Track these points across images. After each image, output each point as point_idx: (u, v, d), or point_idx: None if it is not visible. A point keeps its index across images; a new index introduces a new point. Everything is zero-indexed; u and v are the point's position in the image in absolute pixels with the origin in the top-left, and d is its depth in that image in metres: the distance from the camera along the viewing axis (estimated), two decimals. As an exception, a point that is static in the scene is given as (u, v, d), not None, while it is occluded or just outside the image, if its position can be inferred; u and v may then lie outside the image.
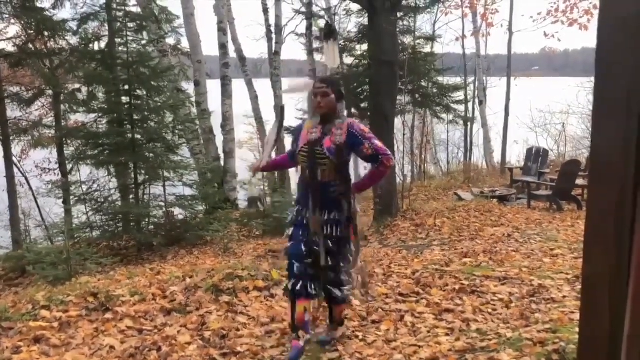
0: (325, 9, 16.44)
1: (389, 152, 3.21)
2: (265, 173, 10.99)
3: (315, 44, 15.16)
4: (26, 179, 14.77)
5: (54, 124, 12.86)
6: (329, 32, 3.48)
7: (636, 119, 1.15)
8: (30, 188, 14.56)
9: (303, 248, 3.20)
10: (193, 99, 12.78)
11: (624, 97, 1.15)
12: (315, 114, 3.26)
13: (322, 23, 15.49)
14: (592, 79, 1.27)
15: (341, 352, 3.25)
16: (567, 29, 14.12)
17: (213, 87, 13.50)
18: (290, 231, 3.35)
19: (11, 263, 8.24)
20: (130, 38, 10.34)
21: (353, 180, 3.34)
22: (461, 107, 15.66)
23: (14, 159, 12.44)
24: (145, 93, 10.47)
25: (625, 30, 1.13)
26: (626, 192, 1.20)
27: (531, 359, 2.82)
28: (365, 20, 11.44)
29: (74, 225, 9.24)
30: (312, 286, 3.19)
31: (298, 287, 3.17)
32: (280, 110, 3.80)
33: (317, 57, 15.51)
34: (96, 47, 11.84)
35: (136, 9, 11.44)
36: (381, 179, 3.38)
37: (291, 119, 12.05)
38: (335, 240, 3.20)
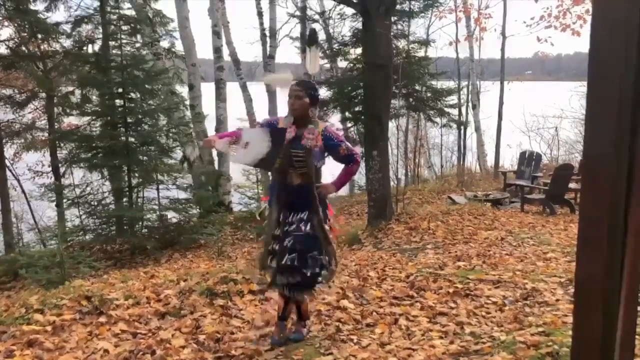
0: (320, 12, 16.48)
1: (358, 152, 3.55)
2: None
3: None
4: (19, 182, 14.69)
5: (47, 126, 12.82)
6: (312, 39, 3.52)
7: (628, 123, 1.16)
8: (23, 191, 14.48)
9: (276, 248, 3.39)
10: (187, 102, 12.76)
11: (616, 101, 1.17)
12: (289, 115, 3.38)
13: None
14: (585, 83, 1.28)
15: (335, 355, 3.25)
16: (559, 34, 14.20)
17: (207, 90, 13.49)
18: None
19: (4, 267, 8.19)
20: (124, 41, 10.34)
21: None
22: (455, 111, 15.72)
23: (6, 161, 12.38)
24: (139, 96, 10.47)
25: (618, 34, 1.14)
26: (618, 196, 1.21)
27: (525, 361, 2.84)
28: (359, 24, 11.47)
29: (67, 229, 9.22)
30: (286, 285, 3.37)
31: (277, 283, 3.41)
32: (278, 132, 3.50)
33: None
34: (90, 50, 11.86)
35: (130, 12, 11.43)
36: (353, 176, 3.75)
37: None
38: (303, 237, 3.28)
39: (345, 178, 3.57)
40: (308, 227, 3.30)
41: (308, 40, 3.50)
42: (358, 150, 3.56)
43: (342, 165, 3.50)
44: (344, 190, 15.84)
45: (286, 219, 3.35)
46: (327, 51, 14.44)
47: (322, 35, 15.86)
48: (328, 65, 14.79)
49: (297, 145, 3.27)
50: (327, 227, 3.38)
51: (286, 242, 3.30)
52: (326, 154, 3.42)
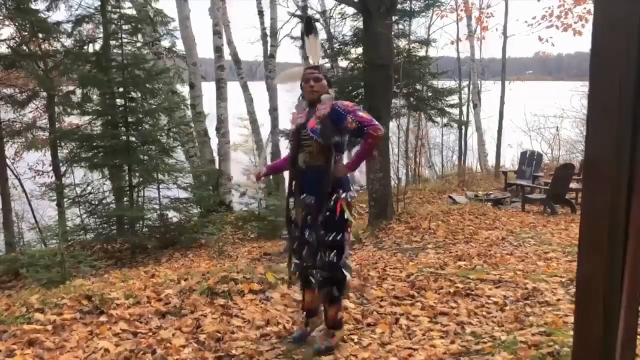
0: (320, 12, 16.48)
1: (375, 122, 3.08)
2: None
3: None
4: (20, 181, 14.70)
5: (48, 126, 12.82)
6: (309, 27, 3.44)
7: (629, 123, 1.16)
8: (24, 190, 14.50)
9: (295, 242, 3.34)
10: (188, 102, 12.77)
11: (617, 101, 1.16)
12: (307, 100, 3.30)
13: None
14: (586, 82, 1.28)
15: (336, 355, 3.25)
16: (561, 33, 14.19)
17: (208, 90, 13.50)
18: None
19: (4, 266, 8.18)
20: (125, 40, 10.33)
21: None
22: (455, 111, 15.71)
23: (7, 161, 12.39)
24: (140, 95, 10.46)
25: (619, 35, 1.14)
26: (619, 196, 1.21)
27: (525, 361, 2.84)
28: (360, 24, 11.48)
29: (68, 228, 9.21)
30: (311, 277, 3.30)
31: (300, 279, 3.39)
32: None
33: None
34: (91, 49, 11.85)
35: (131, 11, 11.44)
36: (371, 151, 3.25)
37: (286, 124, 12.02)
38: (323, 224, 3.16)
39: (360, 155, 3.20)
40: (322, 216, 3.14)
41: (305, 28, 3.43)
42: (373, 120, 3.07)
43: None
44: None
45: (303, 206, 3.23)
46: (327, 50, 14.45)
47: (322, 35, 15.87)
48: (329, 65, 14.80)
49: (306, 127, 3.18)
50: (345, 211, 3.16)
51: (307, 235, 3.24)
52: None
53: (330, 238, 3.16)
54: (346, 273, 3.26)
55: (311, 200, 3.19)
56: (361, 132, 3.05)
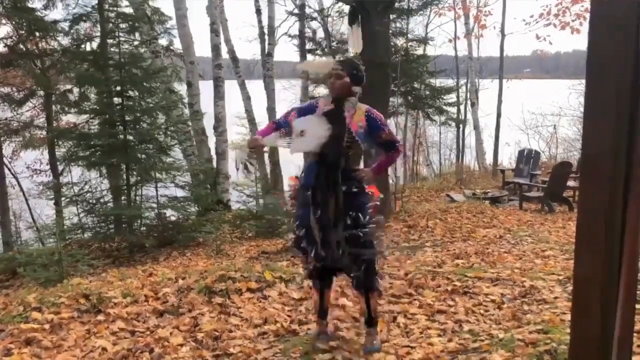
0: (318, 10, 16.46)
1: (399, 140, 3.38)
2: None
3: (308, 45, 15.18)
4: (17, 180, 14.67)
5: (45, 124, 12.78)
6: (353, 17, 3.44)
7: (626, 121, 1.16)
8: (21, 189, 14.47)
9: (317, 233, 3.11)
10: (185, 100, 12.74)
11: (614, 99, 1.17)
12: (329, 95, 3.29)
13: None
14: (583, 81, 1.28)
15: (334, 353, 3.25)
16: (559, 32, 14.20)
17: (206, 88, 13.47)
18: (299, 212, 3.24)
19: (2, 265, 8.17)
20: (123, 39, 10.31)
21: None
22: (453, 109, 15.74)
23: (4, 159, 12.36)
24: (137, 94, 10.44)
25: (616, 33, 1.14)
26: (616, 194, 1.21)
27: (523, 359, 2.84)
28: (358, 22, 11.44)
29: (66, 227, 9.18)
30: (328, 274, 3.28)
31: (315, 276, 3.29)
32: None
33: (310, 57, 15.50)
34: (88, 48, 11.80)
35: (128, 10, 11.39)
36: (392, 164, 3.57)
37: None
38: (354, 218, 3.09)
39: (385, 165, 3.43)
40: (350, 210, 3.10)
41: (349, 18, 3.46)
42: (397, 137, 3.35)
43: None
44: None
45: (325, 199, 3.11)
46: (325, 49, 14.44)
47: (320, 33, 15.87)
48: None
49: (350, 128, 3.16)
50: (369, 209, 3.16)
51: (330, 226, 3.09)
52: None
53: (363, 221, 3.11)
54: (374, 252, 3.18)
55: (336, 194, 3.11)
56: (390, 146, 3.27)
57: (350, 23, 3.40)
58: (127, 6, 11.32)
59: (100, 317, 3.88)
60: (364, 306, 3.29)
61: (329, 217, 3.09)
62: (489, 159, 18.25)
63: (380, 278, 3.31)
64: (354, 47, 3.33)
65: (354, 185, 3.14)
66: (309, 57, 15.35)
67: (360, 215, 3.10)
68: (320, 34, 15.92)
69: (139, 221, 9.94)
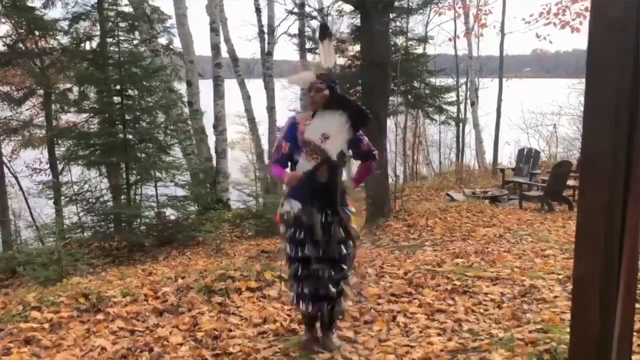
0: (318, 9, 16.44)
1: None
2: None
3: (308, 44, 15.17)
4: (16, 179, 14.66)
5: (44, 123, 12.77)
6: (324, 33, 3.44)
7: (626, 121, 1.16)
8: (21, 188, 14.46)
9: (311, 250, 3.12)
10: (185, 99, 12.74)
11: (614, 99, 1.16)
12: (309, 109, 3.27)
13: (315, 24, 15.47)
14: (583, 80, 1.28)
15: (333, 352, 3.25)
16: (558, 31, 14.18)
17: (205, 87, 13.47)
18: (290, 232, 3.21)
19: (1, 264, 8.17)
20: (122, 38, 10.31)
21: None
22: (453, 108, 15.72)
23: (4, 159, 12.35)
24: (137, 93, 10.44)
25: (616, 33, 1.14)
26: (616, 193, 1.21)
27: (523, 359, 2.84)
28: (357, 21, 11.45)
29: (65, 226, 9.18)
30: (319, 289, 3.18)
31: (306, 291, 3.17)
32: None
33: (310, 57, 15.51)
34: (87, 47, 11.79)
35: (128, 9, 11.39)
36: (371, 172, 3.62)
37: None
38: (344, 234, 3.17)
39: (364, 174, 3.54)
40: (338, 232, 3.14)
41: (320, 34, 3.43)
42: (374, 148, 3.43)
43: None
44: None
45: (317, 219, 3.12)
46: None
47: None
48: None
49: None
50: (351, 225, 3.23)
51: (320, 249, 3.12)
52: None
53: (345, 251, 3.20)
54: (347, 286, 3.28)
55: (327, 214, 3.14)
56: (367, 156, 3.40)
57: (321, 38, 3.38)
58: (126, 5, 11.32)
59: (100, 316, 3.88)
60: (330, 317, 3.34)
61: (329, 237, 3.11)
62: (488, 158, 18.24)
63: (345, 299, 3.33)
64: (326, 62, 3.29)
65: (345, 207, 3.21)
66: (309, 56, 15.35)
67: (347, 238, 3.20)
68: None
69: (138, 220, 9.94)
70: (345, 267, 3.21)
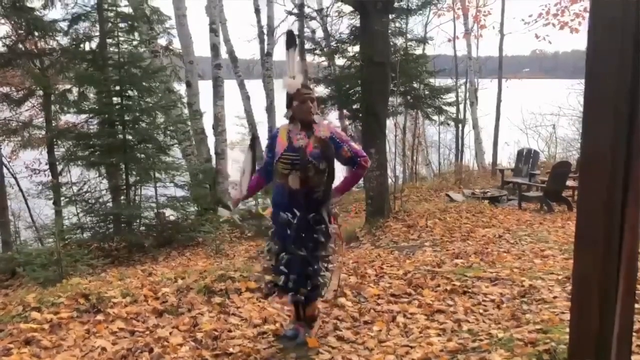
0: (317, 10, 16.45)
1: (365, 154, 3.36)
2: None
3: (307, 45, 15.18)
4: (16, 179, 14.66)
5: (44, 124, 12.78)
6: (290, 41, 3.39)
7: (625, 121, 1.17)
8: (20, 189, 14.46)
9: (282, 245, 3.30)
10: (185, 100, 12.73)
11: (612, 99, 1.17)
12: (300, 120, 3.26)
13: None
14: (582, 80, 1.28)
15: (333, 353, 3.25)
16: (557, 31, 14.21)
17: (205, 88, 13.46)
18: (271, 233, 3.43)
19: (1, 265, 8.18)
20: (122, 38, 10.31)
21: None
22: (452, 109, 15.70)
23: (3, 159, 12.35)
24: (136, 94, 10.44)
25: (615, 34, 1.14)
26: (615, 194, 1.21)
27: (522, 359, 2.84)
28: (357, 22, 11.45)
29: (65, 227, 9.17)
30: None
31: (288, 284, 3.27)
32: (252, 139, 3.92)
33: (309, 58, 15.53)
34: (87, 48, 11.80)
35: (127, 10, 11.39)
36: (359, 180, 3.55)
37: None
38: (314, 236, 3.22)
39: (349, 182, 3.43)
40: (320, 226, 3.22)
41: (286, 42, 3.39)
42: (364, 152, 3.36)
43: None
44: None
45: (294, 222, 3.23)
46: (324, 49, 14.43)
47: (320, 33, 15.86)
48: (326, 63, 14.79)
49: (304, 151, 3.19)
50: (331, 230, 3.29)
51: (294, 249, 3.23)
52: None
53: (318, 251, 3.26)
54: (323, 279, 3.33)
55: (300, 217, 3.21)
56: (353, 162, 3.28)
57: (288, 47, 3.36)
58: (126, 6, 11.34)
59: (100, 317, 3.88)
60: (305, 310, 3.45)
61: (295, 235, 3.21)
62: (488, 158, 18.24)
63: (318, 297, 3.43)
64: (290, 72, 3.28)
65: (317, 213, 3.22)
66: (309, 57, 15.36)
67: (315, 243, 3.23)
68: (320, 33, 15.92)
69: (138, 221, 9.94)
70: (317, 267, 3.25)
